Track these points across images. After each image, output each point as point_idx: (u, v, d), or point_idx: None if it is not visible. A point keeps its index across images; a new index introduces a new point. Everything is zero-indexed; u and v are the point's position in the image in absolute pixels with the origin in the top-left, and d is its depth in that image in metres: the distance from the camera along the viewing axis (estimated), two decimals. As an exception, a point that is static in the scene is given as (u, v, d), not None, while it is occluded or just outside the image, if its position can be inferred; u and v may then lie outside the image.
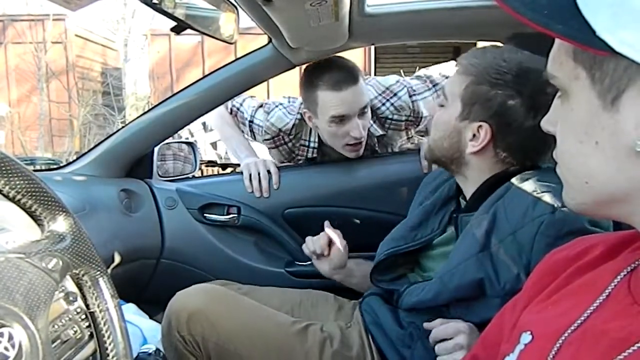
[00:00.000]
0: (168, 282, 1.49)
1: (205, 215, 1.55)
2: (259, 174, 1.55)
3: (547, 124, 0.49)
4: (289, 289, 1.34)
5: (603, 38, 0.37)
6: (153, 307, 1.36)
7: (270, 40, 1.34)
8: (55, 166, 1.73)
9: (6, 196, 0.49)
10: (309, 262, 1.53)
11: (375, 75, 7.47)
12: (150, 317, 1.31)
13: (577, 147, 0.43)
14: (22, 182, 0.49)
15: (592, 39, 0.37)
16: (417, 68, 7.10)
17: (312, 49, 1.35)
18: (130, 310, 1.28)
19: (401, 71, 7.20)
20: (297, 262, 1.56)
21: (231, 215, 1.56)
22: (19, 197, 0.49)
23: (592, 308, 0.46)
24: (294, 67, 1.44)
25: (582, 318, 0.46)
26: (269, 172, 1.56)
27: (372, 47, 6.79)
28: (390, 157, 1.71)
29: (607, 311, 0.45)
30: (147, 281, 1.50)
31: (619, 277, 0.46)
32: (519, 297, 0.59)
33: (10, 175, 0.48)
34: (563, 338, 0.45)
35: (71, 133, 8.45)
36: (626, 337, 0.40)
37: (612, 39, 0.36)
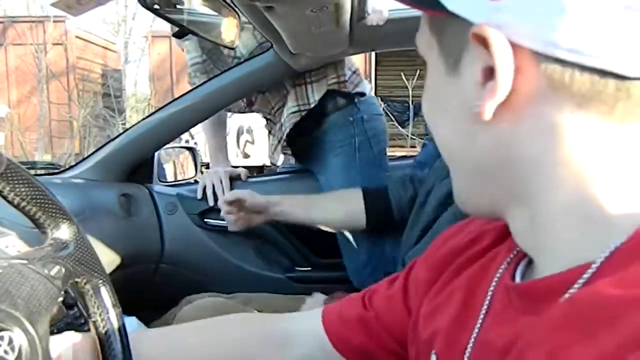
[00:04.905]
0: (167, 287, 1.49)
1: (205, 220, 1.55)
2: (213, 185, 1.55)
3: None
4: (276, 296, 1.32)
5: None
6: (152, 312, 1.36)
7: (271, 46, 1.34)
8: (55, 170, 1.73)
9: (11, 202, 0.49)
10: (310, 268, 1.53)
11: (376, 78, 7.49)
12: (150, 323, 1.30)
13: (432, 117, 0.42)
14: (26, 189, 0.49)
15: (432, 1, 0.36)
16: (418, 71, 7.11)
17: (313, 54, 1.35)
18: (132, 324, 1.27)
19: (402, 74, 7.21)
20: (298, 268, 1.56)
21: (231, 220, 1.56)
22: (23, 204, 0.49)
23: (481, 316, 0.43)
24: (294, 72, 1.44)
25: (476, 330, 0.43)
26: (221, 182, 1.55)
27: (372, 51, 6.80)
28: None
29: (491, 317, 0.42)
30: (146, 286, 1.50)
31: (500, 270, 0.43)
32: (416, 291, 0.55)
33: (15, 182, 0.48)
34: (466, 357, 0.42)
35: (71, 134, 8.45)
36: (505, 347, 0.37)
37: None
